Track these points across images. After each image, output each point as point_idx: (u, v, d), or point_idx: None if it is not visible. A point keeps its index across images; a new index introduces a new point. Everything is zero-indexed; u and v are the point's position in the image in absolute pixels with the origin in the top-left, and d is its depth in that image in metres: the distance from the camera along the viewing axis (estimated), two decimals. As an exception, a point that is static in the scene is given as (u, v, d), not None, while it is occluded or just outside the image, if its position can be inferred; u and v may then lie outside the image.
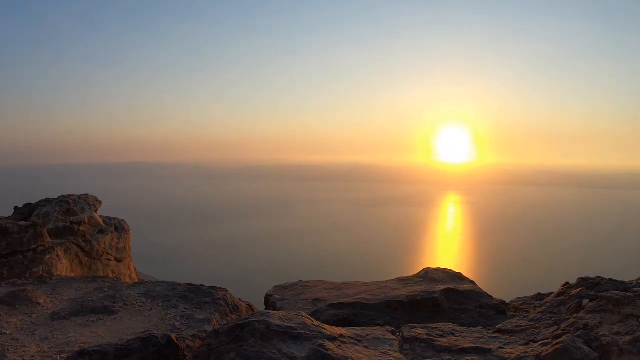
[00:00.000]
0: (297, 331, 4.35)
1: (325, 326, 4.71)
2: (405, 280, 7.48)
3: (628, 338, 4.27)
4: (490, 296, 6.50)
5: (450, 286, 6.58)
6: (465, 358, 4.29)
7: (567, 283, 5.88)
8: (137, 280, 11.43)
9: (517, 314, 6.00)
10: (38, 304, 6.23)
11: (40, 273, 8.82)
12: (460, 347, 4.49)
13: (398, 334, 4.98)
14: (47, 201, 12.62)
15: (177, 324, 5.73)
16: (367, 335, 4.83)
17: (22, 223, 9.44)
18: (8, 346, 4.88)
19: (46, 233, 9.83)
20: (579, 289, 5.39)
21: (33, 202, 12.81)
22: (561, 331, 4.68)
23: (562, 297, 5.51)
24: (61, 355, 4.73)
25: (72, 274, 10.28)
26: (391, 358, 4.31)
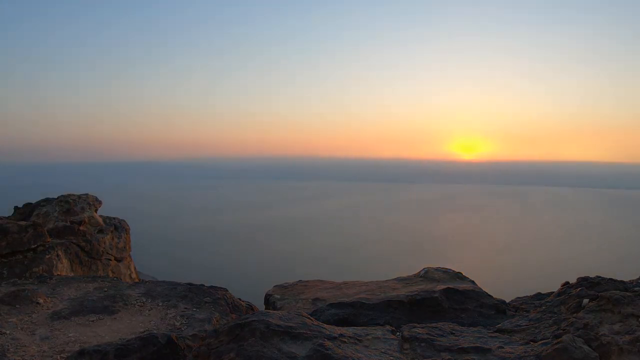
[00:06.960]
0: (297, 330, 4.36)
1: (325, 326, 4.72)
2: (405, 280, 7.48)
3: (628, 337, 4.28)
4: (490, 296, 6.50)
5: (450, 286, 6.58)
6: (465, 357, 4.30)
7: (567, 283, 5.89)
8: (137, 280, 11.44)
9: (517, 313, 6.01)
10: (38, 303, 6.23)
11: (40, 273, 8.82)
12: (460, 346, 4.49)
13: (398, 333, 4.98)
14: (47, 201, 12.63)
15: (177, 323, 5.74)
16: (367, 334, 4.84)
17: (22, 223, 9.45)
18: (8, 346, 4.88)
19: (46, 233, 9.84)
20: (578, 289, 5.39)
21: (33, 202, 12.82)
22: (561, 331, 4.68)
23: (562, 296, 5.51)
24: (61, 355, 4.73)
25: (72, 274, 10.28)
26: (391, 358, 4.32)
